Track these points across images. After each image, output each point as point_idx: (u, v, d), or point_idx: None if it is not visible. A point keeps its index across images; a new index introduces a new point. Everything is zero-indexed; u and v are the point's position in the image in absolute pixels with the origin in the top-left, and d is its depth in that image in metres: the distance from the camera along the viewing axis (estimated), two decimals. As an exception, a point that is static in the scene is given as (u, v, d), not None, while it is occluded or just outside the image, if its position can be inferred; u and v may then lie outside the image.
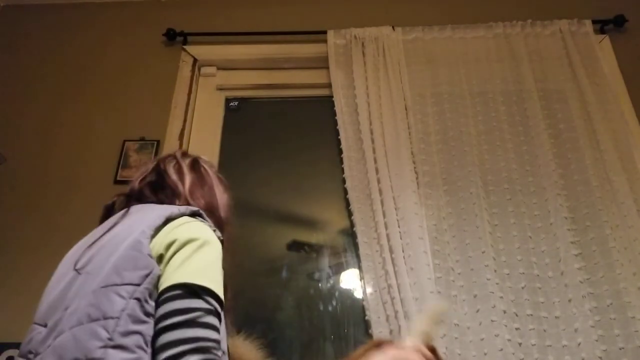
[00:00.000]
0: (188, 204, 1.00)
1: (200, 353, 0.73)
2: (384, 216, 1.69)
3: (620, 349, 1.51)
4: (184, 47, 2.21)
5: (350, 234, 1.82)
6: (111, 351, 0.73)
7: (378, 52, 2.05)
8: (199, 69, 2.22)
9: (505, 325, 1.53)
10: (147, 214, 0.91)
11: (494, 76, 2.02)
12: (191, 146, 2.03)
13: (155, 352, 0.74)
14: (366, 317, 1.61)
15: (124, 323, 0.75)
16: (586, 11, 2.17)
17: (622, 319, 1.54)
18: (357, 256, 1.71)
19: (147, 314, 0.77)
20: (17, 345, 1.58)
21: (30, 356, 0.82)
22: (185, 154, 1.13)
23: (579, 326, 1.53)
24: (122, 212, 1.00)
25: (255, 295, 1.79)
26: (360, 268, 1.69)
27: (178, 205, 0.97)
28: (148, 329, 0.76)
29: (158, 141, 1.97)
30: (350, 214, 1.78)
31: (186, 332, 0.74)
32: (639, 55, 2.10)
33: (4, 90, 2.16)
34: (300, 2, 2.33)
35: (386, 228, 1.67)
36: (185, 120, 2.04)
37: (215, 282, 0.82)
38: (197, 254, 0.83)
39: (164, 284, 0.79)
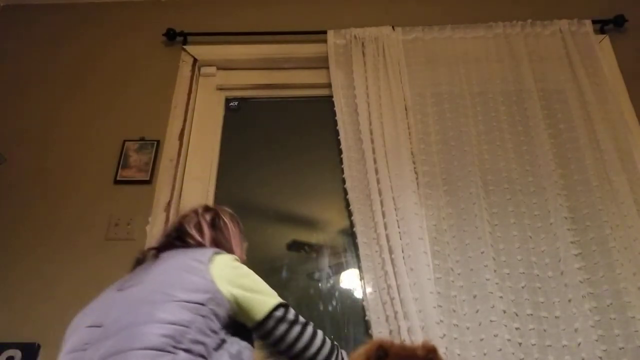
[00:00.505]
0: None
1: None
2: (384, 216, 1.69)
3: (620, 348, 1.50)
4: (184, 47, 2.21)
5: (350, 234, 1.82)
6: (182, 354, 0.89)
7: (378, 52, 2.05)
8: (199, 69, 2.22)
9: (505, 325, 1.53)
10: (188, 252, 1.10)
11: (494, 76, 2.02)
12: (191, 146, 2.03)
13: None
14: (366, 318, 1.60)
15: (193, 333, 0.92)
16: (586, 11, 2.17)
17: (622, 319, 1.54)
18: (357, 256, 1.71)
19: (212, 330, 0.95)
20: (17, 345, 1.58)
21: (87, 346, 0.94)
22: (207, 209, 1.27)
23: (579, 326, 1.53)
24: (154, 258, 1.14)
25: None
26: (360, 268, 1.69)
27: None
28: (211, 342, 0.94)
29: (158, 141, 1.97)
30: (350, 214, 1.77)
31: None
32: (639, 55, 2.10)
33: (3, 90, 2.16)
34: (300, 2, 2.33)
35: (386, 228, 1.67)
36: (185, 120, 2.04)
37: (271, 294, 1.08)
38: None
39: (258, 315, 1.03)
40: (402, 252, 1.62)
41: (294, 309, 1.10)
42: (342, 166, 1.85)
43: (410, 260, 1.61)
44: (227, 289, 1.00)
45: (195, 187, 1.94)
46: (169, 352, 0.88)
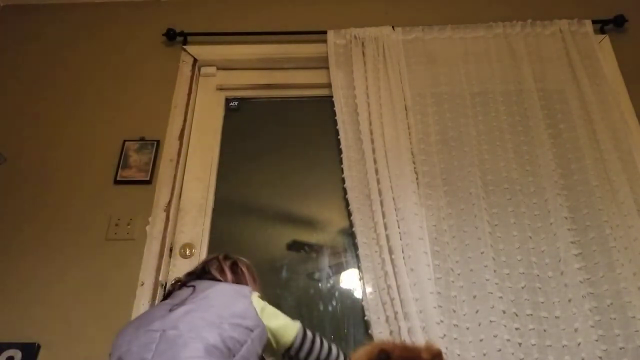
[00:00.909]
0: None
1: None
2: (384, 217, 1.69)
3: (620, 348, 1.50)
4: (184, 47, 2.21)
5: (349, 234, 1.82)
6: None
7: (378, 52, 2.05)
8: (199, 69, 2.22)
9: (505, 326, 1.53)
10: (225, 283, 1.30)
11: (494, 76, 2.02)
12: (191, 146, 2.03)
13: None
14: (365, 318, 1.60)
15: (244, 350, 1.09)
16: (586, 11, 2.17)
17: (623, 319, 1.54)
18: (357, 256, 1.71)
19: (253, 355, 1.12)
20: (17, 346, 1.58)
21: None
22: (226, 257, 1.40)
23: (579, 326, 1.53)
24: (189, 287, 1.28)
25: (255, 295, 1.78)
26: (359, 268, 1.69)
27: None
28: None
29: (158, 141, 1.97)
30: (349, 214, 1.77)
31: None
32: (639, 55, 2.10)
33: (4, 90, 2.16)
34: (300, 2, 2.33)
35: (386, 229, 1.67)
36: (185, 120, 2.04)
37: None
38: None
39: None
40: (402, 252, 1.62)
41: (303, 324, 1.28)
42: (342, 166, 1.85)
43: (411, 261, 1.61)
44: (266, 323, 1.19)
45: (195, 187, 1.94)
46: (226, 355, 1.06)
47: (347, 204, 1.79)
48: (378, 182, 1.75)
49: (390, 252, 1.62)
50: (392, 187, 1.74)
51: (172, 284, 1.36)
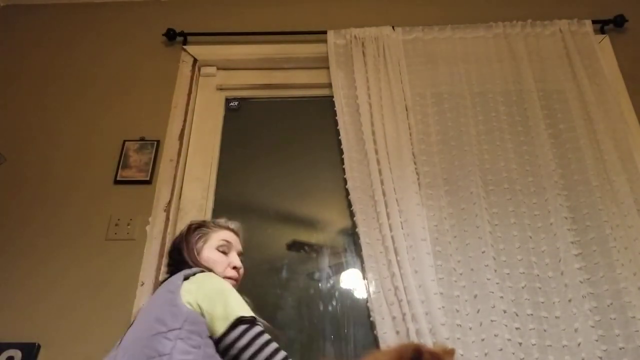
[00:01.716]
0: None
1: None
2: (389, 218, 1.68)
3: (620, 349, 1.50)
4: (184, 47, 2.21)
5: (350, 234, 1.82)
6: None
7: (378, 53, 2.05)
8: (199, 69, 2.22)
9: (506, 325, 1.53)
10: (166, 283, 1.17)
11: (494, 76, 2.02)
12: (191, 146, 2.03)
13: None
14: (371, 318, 1.60)
15: (176, 355, 0.99)
16: (586, 11, 2.17)
17: (623, 319, 1.54)
18: (360, 257, 1.70)
19: (194, 347, 1.01)
20: (17, 345, 1.58)
21: None
22: (177, 236, 1.38)
23: (579, 326, 1.53)
24: None
25: (255, 295, 1.78)
26: (363, 269, 1.69)
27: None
28: (197, 355, 1.00)
29: (158, 141, 1.97)
30: (352, 214, 1.77)
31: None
32: (639, 55, 2.10)
33: (4, 91, 2.16)
34: (300, 2, 2.33)
35: (391, 230, 1.66)
36: (185, 120, 2.04)
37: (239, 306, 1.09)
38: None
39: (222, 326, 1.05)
40: (407, 254, 1.62)
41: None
42: (344, 166, 1.85)
43: (415, 262, 1.60)
44: (195, 303, 1.06)
45: (195, 187, 1.94)
46: None
47: (349, 205, 1.78)
48: (382, 182, 1.75)
49: (396, 253, 1.62)
50: (395, 188, 1.74)
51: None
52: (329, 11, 2.29)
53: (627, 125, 1.90)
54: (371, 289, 1.62)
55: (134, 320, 1.19)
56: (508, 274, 1.64)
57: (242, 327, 1.05)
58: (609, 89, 1.96)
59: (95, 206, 1.86)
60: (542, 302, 1.59)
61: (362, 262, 1.69)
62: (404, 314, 1.53)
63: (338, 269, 1.84)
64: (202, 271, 1.18)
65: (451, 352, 0.99)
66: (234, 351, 1.03)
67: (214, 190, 1.95)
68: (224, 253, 1.33)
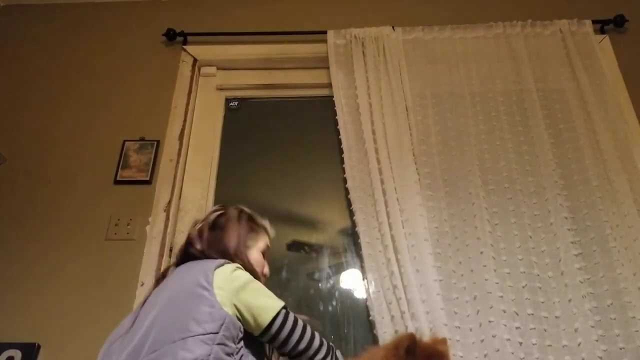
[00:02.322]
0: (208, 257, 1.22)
1: None
2: (388, 217, 1.68)
3: (620, 349, 1.50)
4: (184, 47, 2.21)
5: (350, 233, 1.82)
6: None
7: (378, 53, 2.05)
8: (199, 69, 2.22)
9: (505, 325, 1.52)
10: (192, 272, 1.14)
11: (494, 76, 2.02)
12: (191, 146, 2.03)
13: None
14: (370, 318, 1.60)
15: None
16: (586, 11, 2.17)
17: (623, 319, 1.54)
18: (359, 256, 1.70)
19: (228, 354, 1.03)
20: (17, 345, 1.58)
21: None
22: (216, 210, 1.35)
23: (579, 326, 1.53)
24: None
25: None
26: (362, 268, 1.69)
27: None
28: None
29: (158, 141, 1.97)
30: (351, 213, 1.77)
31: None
32: (639, 55, 2.10)
33: (4, 90, 2.16)
34: (300, 2, 2.33)
35: (390, 229, 1.66)
36: (185, 120, 2.04)
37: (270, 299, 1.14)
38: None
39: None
40: (408, 252, 1.62)
41: (292, 310, 1.15)
42: (344, 166, 1.84)
43: (416, 262, 1.60)
44: (232, 306, 1.08)
45: (195, 187, 1.94)
46: None
47: (349, 204, 1.78)
48: (382, 182, 1.75)
49: (396, 252, 1.62)
50: (396, 188, 1.73)
51: (164, 270, 1.32)
52: (329, 11, 2.29)
53: (627, 125, 1.90)
54: (370, 288, 1.62)
55: (146, 299, 1.17)
56: (508, 273, 1.63)
57: (280, 319, 1.11)
58: (609, 89, 1.96)
59: (95, 206, 1.86)
60: (542, 302, 1.59)
61: (361, 261, 1.69)
62: (402, 312, 1.53)
63: (338, 269, 1.84)
64: (229, 263, 1.17)
65: (443, 341, 1.00)
66: (277, 342, 1.11)
67: (214, 190, 1.95)
68: (262, 256, 1.36)
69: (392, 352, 0.95)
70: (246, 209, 1.38)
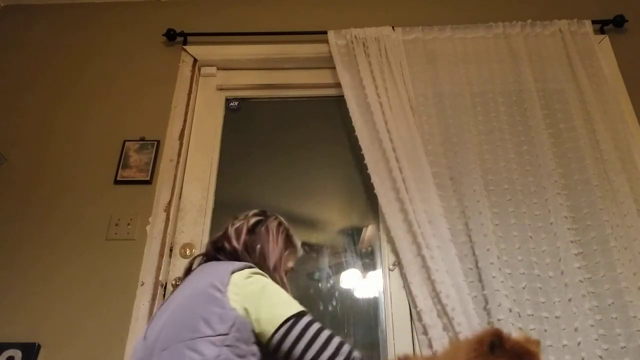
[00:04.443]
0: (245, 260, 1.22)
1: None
2: (416, 217, 1.67)
3: (621, 348, 1.50)
4: (184, 47, 2.21)
5: (350, 233, 1.82)
6: None
7: (380, 53, 2.04)
8: (199, 69, 2.22)
9: (513, 324, 1.52)
10: (212, 272, 1.14)
11: (494, 76, 2.02)
12: (191, 146, 2.03)
13: None
14: (423, 322, 1.58)
15: None
16: (586, 11, 2.17)
17: (623, 318, 1.54)
18: (399, 264, 1.68)
19: (239, 355, 1.01)
20: (17, 345, 1.58)
21: None
22: (256, 214, 1.34)
23: (579, 325, 1.53)
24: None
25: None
26: (403, 276, 1.68)
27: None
28: None
29: (158, 141, 1.97)
30: (380, 218, 1.74)
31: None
32: (639, 55, 2.10)
33: (4, 90, 2.16)
34: (300, 2, 2.33)
35: (424, 238, 1.65)
36: (185, 120, 2.04)
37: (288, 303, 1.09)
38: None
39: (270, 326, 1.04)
40: (437, 253, 1.62)
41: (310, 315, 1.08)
42: (365, 162, 1.81)
43: (444, 263, 1.61)
44: (243, 307, 1.05)
45: (195, 187, 1.94)
46: None
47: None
48: (404, 181, 1.74)
49: (429, 248, 1.62)
50: (417, 188, 1.73)
51: (191, 261, 1.30)
52: (329, 11, 2.29)
53: (627, 125, 1.90)
54: (415, 294, 1.61)
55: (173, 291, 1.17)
56: (509, 273, 1.63)
57: (289, 323, 1.04)
58: (609, 89, 1.96)
59: (95, 206, 1.86)
60: (543, 302, 1.59)
61: (401, 268, 1.67)
62: (451, 319, 1.52)
63: (338, 269, 1.84)
64: (251, 266, 1.15)
65: (536, 343, 0.95)
66: (285, 346, 1.03)
67: (214, 190, 1.95)
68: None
69: (474, 346, 0.91)
70: (285, 222, 1.38)
